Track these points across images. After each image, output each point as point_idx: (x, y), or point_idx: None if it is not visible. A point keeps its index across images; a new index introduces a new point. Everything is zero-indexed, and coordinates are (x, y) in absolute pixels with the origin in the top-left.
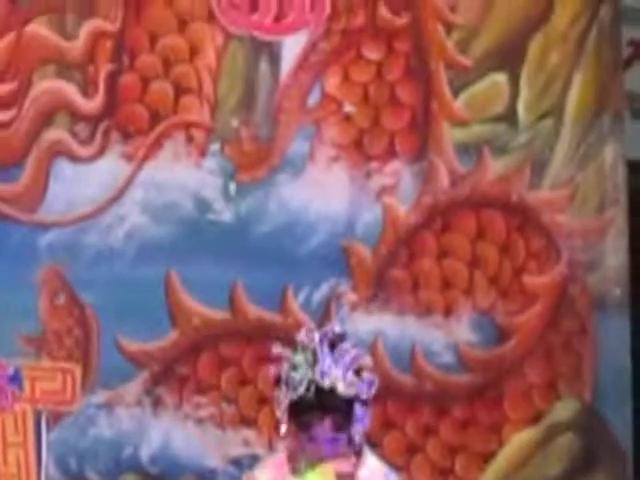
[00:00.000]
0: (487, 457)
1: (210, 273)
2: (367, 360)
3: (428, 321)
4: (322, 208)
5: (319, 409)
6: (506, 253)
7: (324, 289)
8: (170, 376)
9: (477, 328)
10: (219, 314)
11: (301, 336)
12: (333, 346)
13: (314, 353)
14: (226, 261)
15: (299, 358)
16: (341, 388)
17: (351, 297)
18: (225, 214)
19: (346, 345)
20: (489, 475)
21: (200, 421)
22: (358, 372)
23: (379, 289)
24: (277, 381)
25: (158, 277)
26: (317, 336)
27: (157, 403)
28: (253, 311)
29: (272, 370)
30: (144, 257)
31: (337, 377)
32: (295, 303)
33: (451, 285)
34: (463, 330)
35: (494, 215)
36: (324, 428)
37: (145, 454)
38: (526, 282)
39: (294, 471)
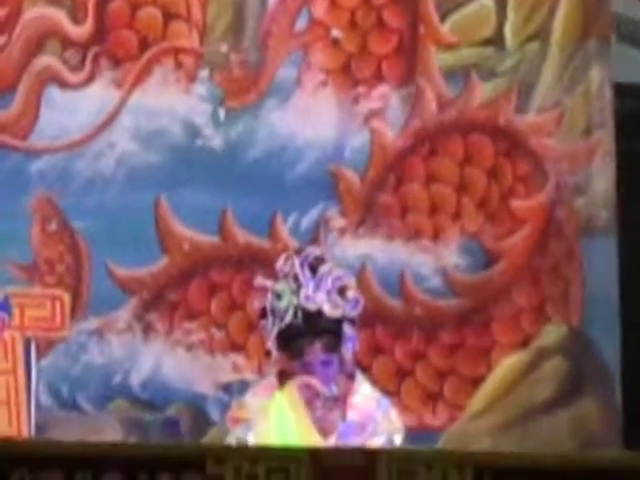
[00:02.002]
0: (476, 381)
1: (200, 199)
2: (350, 279)
3: (416, 245)
4: (310, 133)
5: (308, 333)
6: (494, 177)
7: (312, 214)
8: (160, 302)
9: (465, 252)
10: (209, 240)
11: (280, 264)
12: (314, 270)
13: (296, 279)
14: (215, 187)
15: (282, 286)
16: (327, 310)
17: (339, 222)
18: (214, 140)
19: (327, 267)
20: (478, 399)
21: (190, 347)
22: (342, 292)
23: (367, 214)
24: (263, 313)
25: (148, 203)
26: (297, 262)
27: (147, 329)
28: (242, 237)
29: (256, 303)
30: (134, 183)
31: (322, 299)
32: (284, 229)
33: (439, 209)
34: (451, 254)
35: (482, 139)
36: (315, 351)
37: (135, 380)
38: (514, 206)
39: None
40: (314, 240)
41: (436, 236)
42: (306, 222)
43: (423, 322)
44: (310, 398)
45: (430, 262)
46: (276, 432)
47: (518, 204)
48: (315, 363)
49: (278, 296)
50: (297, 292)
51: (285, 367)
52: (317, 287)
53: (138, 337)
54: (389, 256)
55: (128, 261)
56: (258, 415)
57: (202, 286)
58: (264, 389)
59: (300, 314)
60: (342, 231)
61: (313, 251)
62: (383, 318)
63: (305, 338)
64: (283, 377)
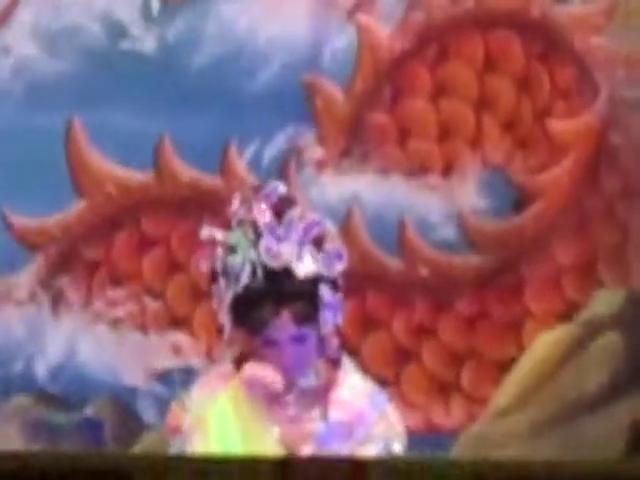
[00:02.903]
0: (503, 366)
1: (126, 122)
2: (328, 226)
3: (421, 182)
4: (276, 31)
5: (272, 299)
6: (525, 89)
7: (279, 141)
8: (74, 262)
9: (487, 191)
10: (140, 178)
11: (235, 207)
12: (279, 214)
13: (255, 227)
14: (148, 105)
15: (236, 237)
16: (297, 267)
17: (316, 152)
18: (146, 42)
19: (296, 210)
20: (506, 390)
21: (115, 323)
22: (318, 243)
23: (354, 140)
24: (212, 275)
25: (56, 127)
26: (256, 203)
27: (57, 299)
28: (185, 173)
29: (203, 262)
30: (37, 100)
31: (290, 253)
32: (240, 161)
33: (451, 133)
34: (469, 194)
35: (508, 38)
36: (283, 323)
37: (42, 368)
38: (552, 128)
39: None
40: (282, 177)
41: (448, 169)
42: (270, 152)
43: (431, 287)
44: (276, 392)
45: (440, 205)
46: (218, 447)
47: (558, 125)
48: (282, 340)
49: (231, 249)
50: (256, 244)
51: (244, 347)
52: (283, 237)
53: (44, 310)
54: (384, 197)
55: (30, 206)
56: (202, 421)
57: (131, 240)
58: (216, 380)
59: (260, 272)
60: (320, 164)
61: (277, 188)
62: (377, 282)
63: (268, 305)
64: (243, 362)
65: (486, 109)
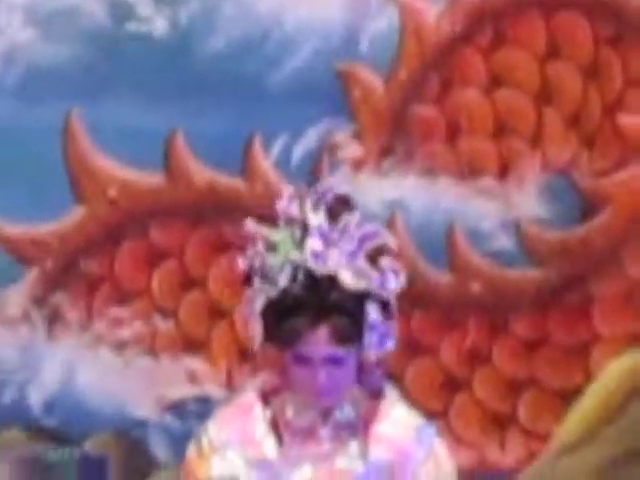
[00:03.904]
0: (567, 397)
1: (132, 115)
2: (388, 239)
3: (473, 186)
4: (306, 14)
5: (310, 309)
6: (593, 79)
7: (310, 138)
8: (73, 277)
9: (549, 196)
10: (148, 180)
11: (284, 204)
12: (334, 216)
13: (304, 227)
14: (158, 97)
15: (281, 234)
16: (345, 278)
17: (353, 149)
18: (155, 24)
19: (354, 216)
20: (570, 424)
21: (120, 346)
22: (373, 257)
23: (396, 137)
24: (248, 277)
25: (53, 122)
26: (309, 202)
27: (53, 318)
28: (200, 174)
29: (240, 261)
30: (31, 92)
31: (338, 261)
32: (265, 161)
33: (508, 130)
34: (528, 199)
35: (574, 20)
36: (318, 339)
37: (36, 398)
38: (623, 124)
39: (276, 425)
40: (313, 177)
41: (504, 171)
42: (300, 150)
43: (484, 305)
44: (306, 425)
45: (495, 212)
46: None
47: (630, 121)
48: (316, 358)
49: (273, 247)
50: (301, 245)
51: (271, 363)
52: (334, 241)
53: (39, 331)
54: (431, 203)
55: (23, 214)
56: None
57: (138, 252)
58: (237, 414)
59: (301, 276)
60: (358, 164)
61: (335, 187)
62: (423, 299)
63: (305, 315)
64: (269, 390)
65: (548, 102)
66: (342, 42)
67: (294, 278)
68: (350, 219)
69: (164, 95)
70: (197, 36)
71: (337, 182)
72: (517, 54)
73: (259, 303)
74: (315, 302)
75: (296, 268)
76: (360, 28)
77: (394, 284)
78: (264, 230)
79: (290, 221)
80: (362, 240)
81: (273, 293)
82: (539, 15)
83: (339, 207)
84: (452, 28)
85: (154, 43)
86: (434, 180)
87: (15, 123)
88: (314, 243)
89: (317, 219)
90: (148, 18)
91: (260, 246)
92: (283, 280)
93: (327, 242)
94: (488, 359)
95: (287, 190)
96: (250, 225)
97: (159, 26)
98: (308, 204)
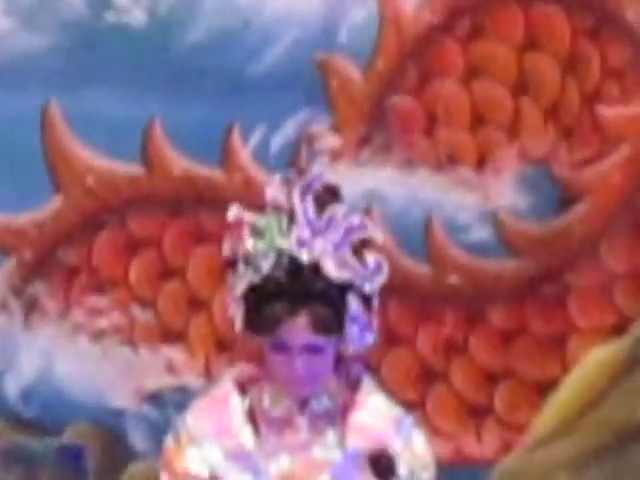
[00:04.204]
0: (543, 388)
1: (111, 106)
2: (374, 232)
3: (451, 176)
4: (285, 4)
5: (291, 295)
6: (571, 70)
7: (289, 128)
8: (51, 266)
9: (527, 187)
10: (127, 169)
11: (273, 191)
12: (321, 206)
13: (291, 215)
14: (136, 86)
15: (267, 221)
16: (328, 267)
17: (331, 140)
18: (134, 14)
19: (342, 207)
20: (547, 415)
21: (98, 335)
22: (358, 249)
23: (374, 128)
24: (232, 262)
25: (31, 112)
26: (297, 190)
27: (31, 308)
28: (178, 164)
29: (225, 246)
30: (9, 81)
31: (323, 251)
32: (244, 150)
33: (486, 120)
34: (505, 190)
35: (552, 10)
36: (298, 326)
37: (13, 388)
38: (602, 115)
39: (253, 415)
40: (291, 168)
41: (482, 161)
42: (279, 140)
43: (462, 296)
44: (283, 415)
45: (472, 202)
46: None
47: (608, 112)
48: (295, 345)
49: (259, 233)
50: (288, 232)
51: (250, 352)
52: (320, 231)
53: (17, 320)
54: (408, 194)
55: (1, 203)
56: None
57: (116, 241)
58: (213, 405)
59: (286, 263)
60: (336, 155)
61: (324, 177)
62: (400, 290)
63: (285, 301)
64: (246, 380)
65: (526, 93)
66: (321, 32)
67: (278, 264)
68: (337, 210)
69: (143, 85)
70: (176, 26)
71: (323, 170)
72: (495, 45)
73: (241, 288)
74: (297, 289)
75: (280, 254)
76: (339, 18)
77: (377, 280)
78: (251, 216)
79: (277, 208)
80: (348, 231)
81: (256, 278)
82: (517, 6)
83: (327, 197)
84: (430, 19)
85: (133, 33)
86: (412, 171)
87: None
88: (300, 231)
89: (304, 207)
90: (127, 8)
91: (246, 231)
92: (266, 266)
93: (313, 231)
94: (465, 350)
95: (275, 179)
96: (236, 211)
97: (138, 16)
98: (296, 192)
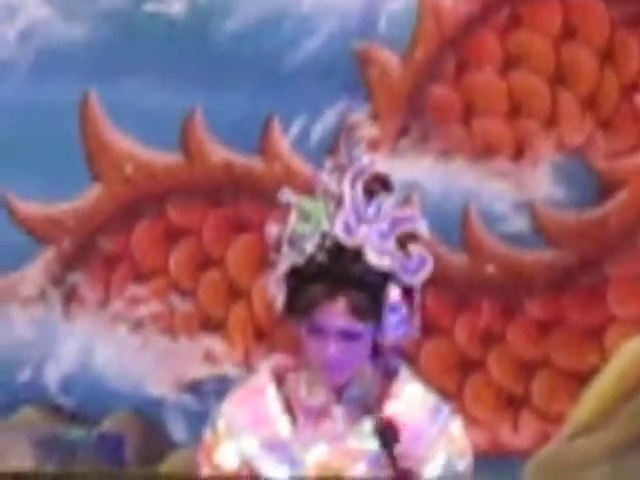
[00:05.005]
0: (581, 378)
1: (150, 95)
2: (422, 227)
3: (488, 167)
4: None
5: (331, 278)
6: (609, 60)
7: (328, 118)
8: (90, 255)
9: (564, 177)
10: (166, 159)
11: (324, 177)
12: (370, 194)
13: (339, 201)
14: (175, 76)
15: (315, 205)
16: (370, 253)
17: (370, 130)
18: (173, 4)
19: (390, 198)
20: (585, 406)
21: (137, 325)
22: (403, 241)
23: (413, 117)
24: (278, 245)
25: (70, 101)
26: (348, 176)
27: (70, 297)
28: (218, 154)
29: (272, 229)
30: (48, 70)
31: (367, 237)
32: (284, 140)
33: (524, 111)
34: (543, 181)
35: (590, 1)
36: (336, 310)
37: (52, 377)
38: None
39: (289, 405)
40: (330, 158)
41: (519, 152)
42: (318, 130)
43: (499, 286)
44: (319, 404)
45: (510, 193)
46: None
47: None
48: (331, 329)
49: (305, 216)
50: (334, 217)
51: (289, 339)
52: (366, 218)
53: (56, 310)
54: (446, 184)
55: (39, 192)
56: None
57: (155, 230)
58: (250, 396)
59: (329, 245)
60: (374, 144)
61: (374, 166)
62: (437, 280)
63: (325, 284)
64: (282, 370)
65: (564, 83)
66: (359, 22)
67: (321, 247)
68: (386, 200)
69: (182, 75)
70: (215, 16)
71: (374, 159)
72: (533, 35)
73: (283, 269)
74: (337, 272)
75: (324, 237)
76: (378, 8)
77: (420, 274)
78: (300, 199)
79: (327, 193)
80: (395, 223)
81: (299, 260)
82: None
83: (377, 186)
84: (468, 9)
85: (172, 23)
86: (449, 161)
87: (32, 102)
88: (346, 216)
89: (353, 194)
90: None
91: (293, 214)
92: (310, 247)
93: (359, 217)
94: (502, 340)
95: (327, 164)
96: (287, 194)
97: (177, 6)
98: (347, 179)
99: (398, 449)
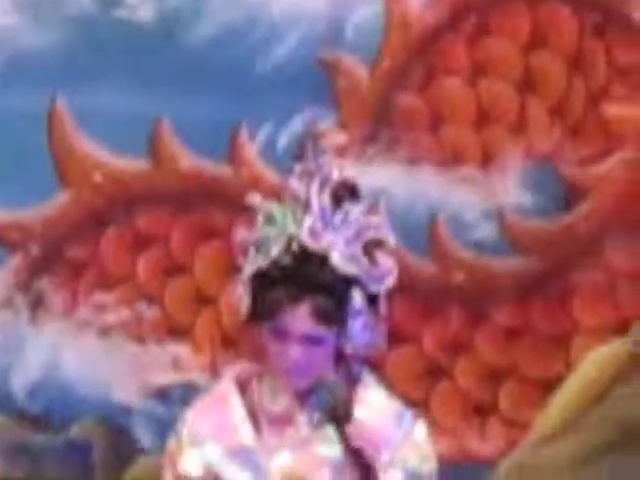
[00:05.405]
0: (547, 386)
1: (118, 102)
2: (388, 236)
3: (456, 175)
4: (292, 1)
5: (296, 282)
6: (576, 68)
7: (295, 125)
8: (57, 262)
9: (532, 185)
10: (134, 166)
11: (294, 182)
12: (338, 201)
13: (306, 206)
14: (143, 83)
15: (282, 209)
16: (336, 258)
17: (337, 137)
18: (142, 10)
19: (358, 206)
20: (550, 413)
21: (105, 331)
22: (368, 249)
23: (380, 125)
24: (245, 250)
25: (38, 108)
26: (316, 182)
27: (37, 304)
28: (186, 161)
29: (239, 234)
30: (16, 77)
31: (333, 243)
32: (251, 147)
33: (491, 118)
34: (510, 188)
35: (558, 9)
36: (300, 314)
37: (19, 384)
38: (607, 113)
39: (253, 413)
40: (298, 165)
41: (487, 159)
42: (285, 138)
43: (466, 294)
44: (283, 411)
45: (478, 201)
46: None
47: (614, 110)
48: (294, 333)
49: (271, 220)
50: (301, 220)
51: (255, 346)
52: (333, 225)
53: (22, 316)
54: (413, 191)
55: (6, 198)
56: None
57: (123, 238)
58: (214, 404)
59: (294, 249)
60: (341, 152)
61: (344, 173)
62: (405, 288)
63: (289, 287)
64: (246, 377)
65: (532, 91)
66: (327, 31)
67: (286, 250)
68: (354, 207)
69: (150, 81)
70: (183, 23)
71: (342, 165)
72: (501, 44)
73: (248, 272)
74: (302, 276)
75: (290, 241)
76: (345, 17)
77: (384, 283)
78: (266, 204)
79: (294, 198)
80: (361, 230)
81: (264, 263)
82: (523, 5)
83: (345, 193)
84: (436, 17)
85: (140, 30)
86: (417, 168)
87: (1, 109)
88: (313, 222)
89: (320, 199)
90: (134, 5)
91: (260, 218)
92: (275, 250)
93: (326, 223)
94: (469, 348)
95: (296, 168)
96: (254, 198)
97: (145, 13)
98: (314, 184)
99: (349, 428)
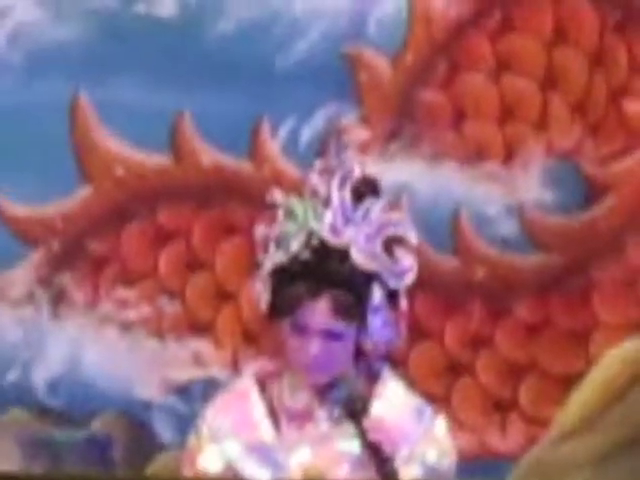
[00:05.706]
0: (567, 382)
1: (140, 96)
2: (409, 232)
3: (479, 171)
4: None
5: (316, 277)
6: (598, 65)
7: (317, 121)
8: (79, 257)
9: (554, 181)
10: (155, 161)
11: (313, 178)
12: (359, 197)
13: (327, 202)
14: (165, 78)
15: (301, 205)
16: (356, 254)
17: (360, 133)
18: (163, 5)
19: (379, 202)
20: (571, 410)
21: (126, 327)
22: (389, 246)
23: (403, 121)
24: (265, 246)
25: (60, 102)
26: (336, 178)
27: (58, 299)
28: (207, 156)
29: (259, 230)
30: (38, 71)
31: (354, 239)
32: (273, 143)
33: (514, 115)
34: (532, 184)
35: (580, 6)
36: (319, 309)
37: (40, 379)
38: (629, 110)
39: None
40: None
41: (509, 156)
42: (307, 133)
43: (488, 290)
44: (302, 407)
45: (500, 197)
46: None
47: (635, 108)
48: (314, 328)
49: (291, 216)
50: (321, 216)
51: (276, 342)
52: (353, 221)
53: (44, 311)
54: (436, 187)
55: (28, 194)
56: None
57: (144, 232)
58: (234, 400)
59: (314, 244)
60: (364, 147)
61: (363, 170)
62: (426, 283)
63: (309, 282)
64: (266, 374)
65: (554, 88)
66: (350, 25)
67: (306, 245)
68: (375, 203)
69: (172, 76)
70: (206, 18)
71: (363, 162)
72: (524, 40)
73: (268, 268)
74: (321, 271)
75: (310, 236)
76: (368, 11)
77: (404, 279)
78: (287, 199)
79: (315, 194)
80: (382, 226)
81: (284, 258)
82: (546, 1)
83: (365, 189)
84: (459, 12)
85: (162, 24)
86: (440, 165)
87: (21, 103)
88: (333, 217)
89: (341, 195)
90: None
91: (280, 214)
92: (295, 245)
93: (346, 219)
94: (490, 344)
95: (316, 164)
96: (275, 195)
97: (167, 7)
98: (335, 180)
99: (367, 423)
